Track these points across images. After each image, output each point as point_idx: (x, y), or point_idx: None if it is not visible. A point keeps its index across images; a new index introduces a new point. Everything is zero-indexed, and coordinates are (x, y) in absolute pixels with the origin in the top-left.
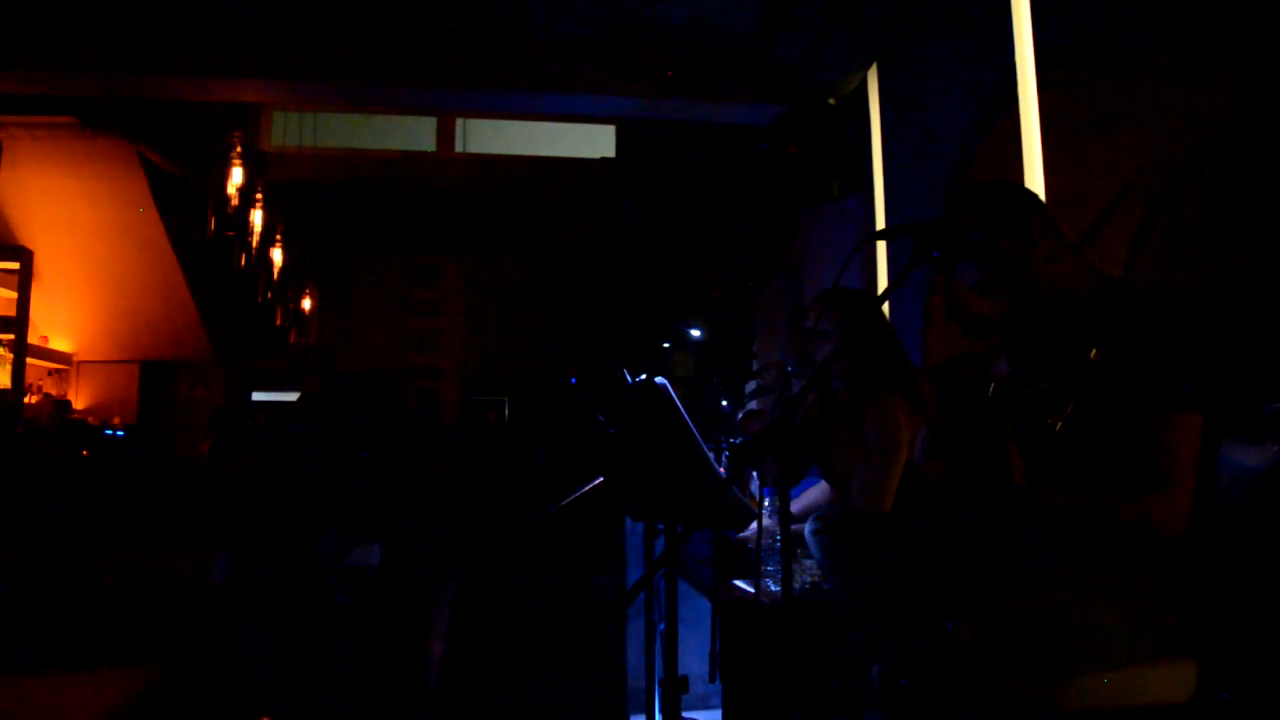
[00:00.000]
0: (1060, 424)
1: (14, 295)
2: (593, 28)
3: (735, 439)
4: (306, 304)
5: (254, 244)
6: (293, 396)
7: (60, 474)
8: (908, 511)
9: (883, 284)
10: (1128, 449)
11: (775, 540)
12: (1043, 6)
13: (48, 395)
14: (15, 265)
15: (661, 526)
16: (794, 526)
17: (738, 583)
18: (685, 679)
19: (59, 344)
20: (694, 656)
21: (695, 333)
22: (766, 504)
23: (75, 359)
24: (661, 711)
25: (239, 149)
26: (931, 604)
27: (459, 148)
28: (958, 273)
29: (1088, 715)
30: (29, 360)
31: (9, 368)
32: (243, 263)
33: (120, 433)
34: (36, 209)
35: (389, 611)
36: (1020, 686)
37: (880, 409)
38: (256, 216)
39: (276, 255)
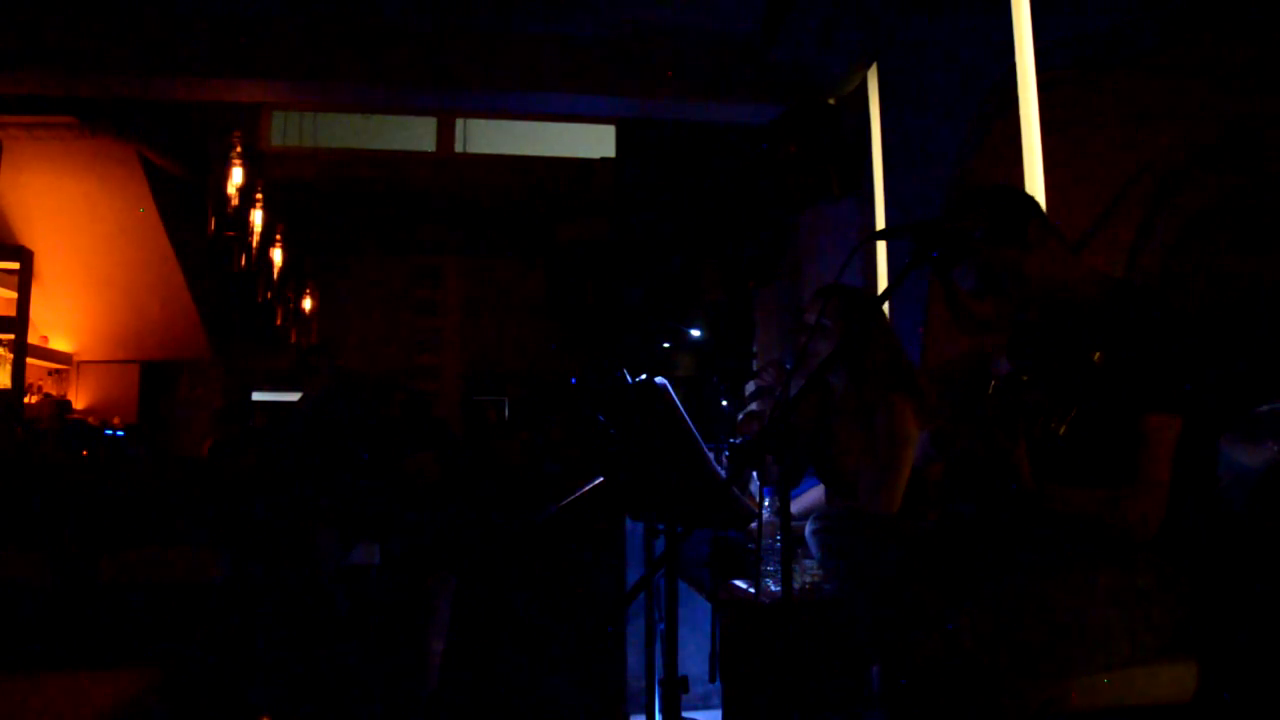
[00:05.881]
0: (1064, 428)
1: (14, 295)
2: (593, 28)
3: (735, 439)
4: (306, 304)
5: (254, 244)
6: (293, 396)
7: (60, 474)
8: (909, 512)
9: (883, 284)
10: (1111, 448)
11: (775, 540)
12: (1043, 5)
13: (48, 395)
14: (15, 265)
15: (661, 526)
16: (794, 524)
17: (738, 583)
18: (685, 679)
19: (59, 344)
20: (694, 656)
21: (695, 333)
22: (766, 504)
23: (75, 359)
24: (661, 711)
25: (239, 149)
26: (932, 604)
27: (459, 148)
28: (955, 277)
29: (1088, 715)
30: (29, 360)
31: (9, 368)
32: (243, 263)
33: (120, 433)
34: (36, 209)
35: (389, 611)
36: (1020, 686)
37: (890, 409)
38: (256, 216)
39: (276, 255)
